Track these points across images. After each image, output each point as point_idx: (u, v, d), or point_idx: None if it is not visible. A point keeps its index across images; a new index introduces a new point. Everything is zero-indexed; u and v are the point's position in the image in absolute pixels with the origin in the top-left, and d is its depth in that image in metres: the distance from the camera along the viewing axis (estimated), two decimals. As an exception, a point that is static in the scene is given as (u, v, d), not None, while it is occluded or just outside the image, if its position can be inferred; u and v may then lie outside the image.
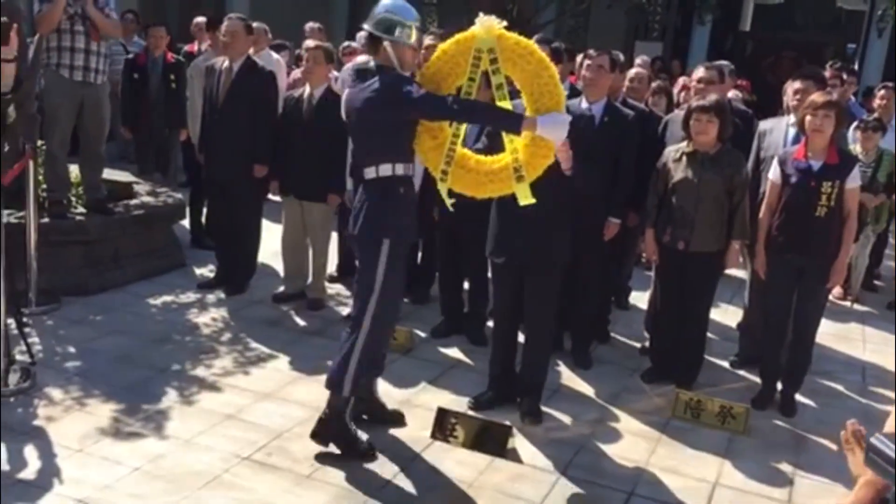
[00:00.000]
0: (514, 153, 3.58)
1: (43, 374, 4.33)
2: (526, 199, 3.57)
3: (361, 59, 6.11)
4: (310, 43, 6.24)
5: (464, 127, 3.73)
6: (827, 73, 6.57)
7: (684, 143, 4.55)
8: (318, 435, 3.77)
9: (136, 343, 4.86)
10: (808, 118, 4.30)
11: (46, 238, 5.29)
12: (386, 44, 3.60)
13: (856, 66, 14.86)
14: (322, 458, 3.73)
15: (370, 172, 3.65)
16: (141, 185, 6.72)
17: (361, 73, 3.91)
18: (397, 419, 4.09)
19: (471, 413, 4.18)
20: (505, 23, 3.58)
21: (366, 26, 3.65)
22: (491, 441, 3.89)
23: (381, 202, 3.64)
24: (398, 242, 3.68)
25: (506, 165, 3.59)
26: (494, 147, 3.83)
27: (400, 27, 3.58)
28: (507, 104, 3.59)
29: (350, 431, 3.78)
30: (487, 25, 3.51)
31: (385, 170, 3.62)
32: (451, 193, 3.73)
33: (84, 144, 5.79)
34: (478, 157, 3.69)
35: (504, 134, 3.65)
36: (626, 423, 4.35)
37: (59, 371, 4.42)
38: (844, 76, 7.31)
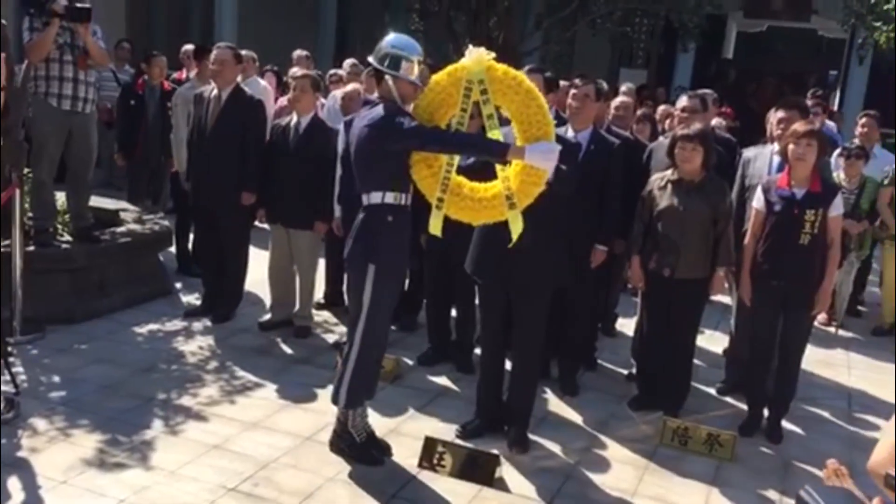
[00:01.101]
0: (506, 181, 3.63)
1: (27, 403, 4.29)
2: (518, 230, 3.64)
3: (350, 87, 6.17)
4: (297, 71, 6.30)
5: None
6: (809, 102, 6.66)
7: (669, 171, 4.60)
8: (333, 444, 4.00)
9: (122, 372, 4.83)
10: (790, 147, 4.36)
11: (32, 266, 5.24)
12: (387, 78, 3.70)
13: (837, 93, 15.09)
14: (308, 489, 3.70)
15: (364, 199, 3.79)
16: (127, 212, 6.70)
17: (367, 104, 4.08)
18: (384, 449, 4.07)
19: (458, 442, 4.18)
20: (493, 54, 3.63)
21: (370, 59, 3.78)
22: (478, 470, 3.88)
23: (369, 229, 3.76)
24: (385, 268, 3.76)
25: (498, 193, 3.65)
26: (485, 164, 3.84)
27: (405, 61, 3.68)
28: (497, 134, 3.65)
29: (356, 442, 3.93)
30: (477, 57, 3.58)
31: (375, 197, 3.74)
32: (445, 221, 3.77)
33: (71, 172, 5.78)
34: (472, 185, 3.74)
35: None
36: (614, 450, 4.35)
37: (43, 401, 4.39)
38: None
